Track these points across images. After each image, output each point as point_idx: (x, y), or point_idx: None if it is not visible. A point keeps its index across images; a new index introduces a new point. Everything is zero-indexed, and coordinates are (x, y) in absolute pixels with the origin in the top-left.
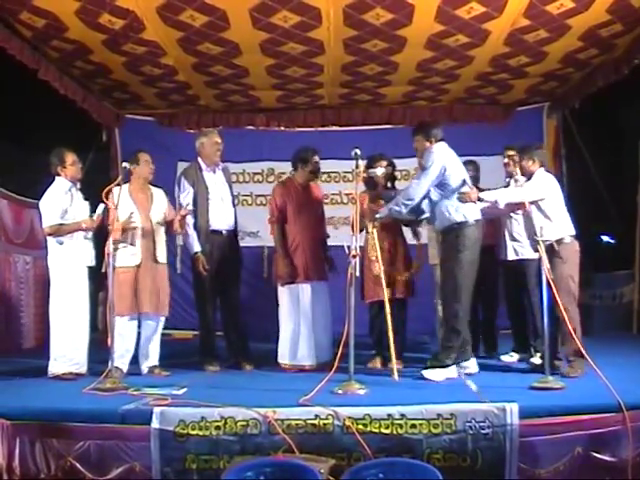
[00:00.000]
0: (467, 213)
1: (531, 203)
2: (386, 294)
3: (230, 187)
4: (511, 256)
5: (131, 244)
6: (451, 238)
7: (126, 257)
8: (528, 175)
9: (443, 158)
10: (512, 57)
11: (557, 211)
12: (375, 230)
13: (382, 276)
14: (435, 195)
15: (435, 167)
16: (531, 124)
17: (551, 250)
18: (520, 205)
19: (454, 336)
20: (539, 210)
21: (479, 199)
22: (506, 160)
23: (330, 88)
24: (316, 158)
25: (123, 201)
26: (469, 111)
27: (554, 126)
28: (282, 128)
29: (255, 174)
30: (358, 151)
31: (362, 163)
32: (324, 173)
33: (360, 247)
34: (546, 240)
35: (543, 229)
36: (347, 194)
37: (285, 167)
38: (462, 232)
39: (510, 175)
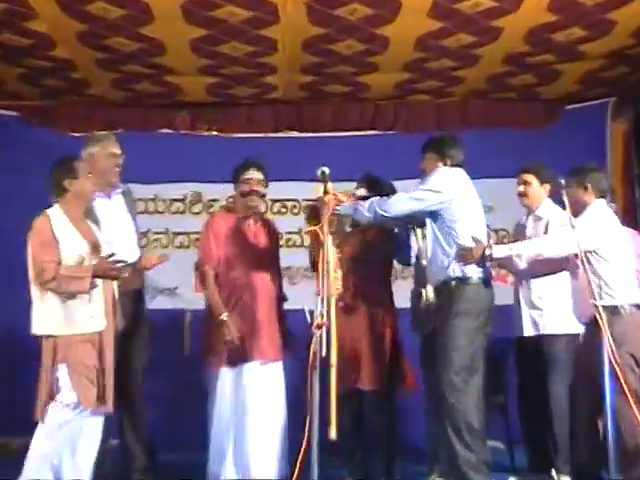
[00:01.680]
0: (471, 266)
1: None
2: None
3: (134, 220)
4: (528, 331)
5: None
6: (444, 298)
7: (83, 319)
8: (577, 210)
9: (455, 188)
10: (560, 29)
11: (615, 267)
12: (331, 239)
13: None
14: (432, 234)
15: (437, 193)
16: (588, 130)
17: (596, 324)
18: (565, 263)
19: (459, 446)
20: (591, 263)
21: (488, 258)
22: (521, 188)
23: (287, 74)
24: (250, 174)
25: (64, 231)
26: (492, 110)
27: (622, 132)
28: (215, 133)
29: (173, 201)
30: (326, 169)
31: (332, 187)
32: (277, 201)
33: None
34: (609, 306)
35: (602, 289)
36: (309, 232)
37: (219, 191)
38: (460, 292)
39: (529, 211)
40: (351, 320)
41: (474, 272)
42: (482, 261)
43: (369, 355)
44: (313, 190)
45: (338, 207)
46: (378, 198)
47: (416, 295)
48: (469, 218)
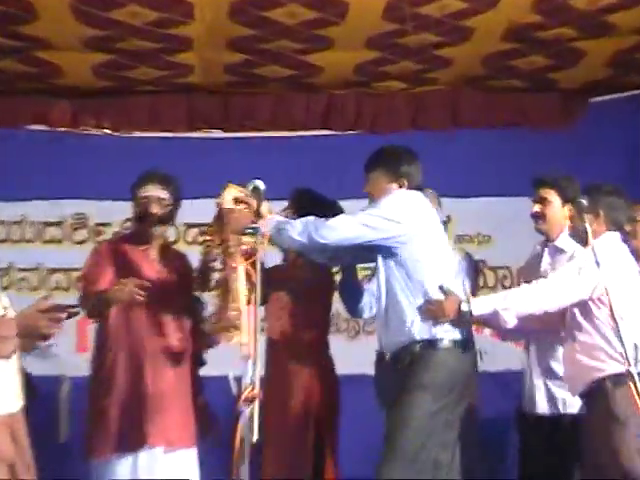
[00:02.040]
0: (443, 326)
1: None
2: None
3: None
4: (542, 407)
5: None
6: (404, 368)
7: None
8: (587, 240)
9: (417, 218)
10: None
11: (625, 321)
12: (243, 265)
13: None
14: (385, 280)
15: (396, 224)
16: (618, 130)
17: (600, 395)
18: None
19: None
20: (592, 315)
21: (465, 315)
22: (537, 208)
23: (208, 51)
24: (148, 190)
25: None
26: (492, 103)
27: None
28: (106, 131)
29: (47, 226)
30: (260, 184)
31: (268, 207)
32: (192, 227)
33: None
34: (611, 374)
35: (605, 350)
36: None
37: (111, 213)
38: (425, 359)
39: (547, 239)
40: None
41: (446, 332)
42: (458, 320)
43: (280, 437)
44: (221, 197)
45: (255, 225)
46: (315, 218)
47: (380, 359)
48: (435, 259)
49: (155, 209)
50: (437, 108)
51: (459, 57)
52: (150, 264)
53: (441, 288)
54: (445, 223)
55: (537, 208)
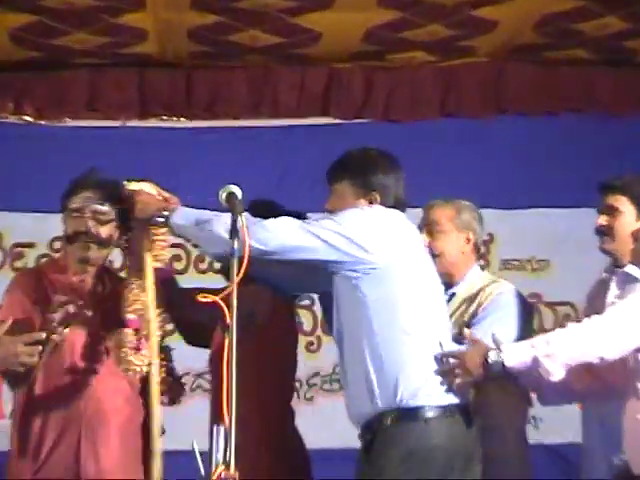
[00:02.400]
0: (428, 387)
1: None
2: None
3: None
4: None
5: None
6: (370, 450)
7: None
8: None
9: (385, 240)
10: None
11: None
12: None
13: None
14: (345, 324)
15: (351, 242)
16: None
17: None
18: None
19: None
20: None
21: (494, 368)
22: (601, 221)
23: (165, 11)
24: (81, 200)
25: None
26: (547, 80)
27: None
28: (28, 119)
29: None
30: (236, 190)
31: (245, 220)
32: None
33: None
34: None
35: None
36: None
37: (35, 230)
38: (398, 438)
39: (615, 262)
40: None
41: (428, 396)
42: (484, 376)
43: None
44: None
45: (166, 211)
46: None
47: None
48: (418, 301)
49: (92, 226)
50: (474, 87)
51: (504, 19)
52: (86, 298)
53: (463, 337)
54: (485, 244)
55: (603, 220)
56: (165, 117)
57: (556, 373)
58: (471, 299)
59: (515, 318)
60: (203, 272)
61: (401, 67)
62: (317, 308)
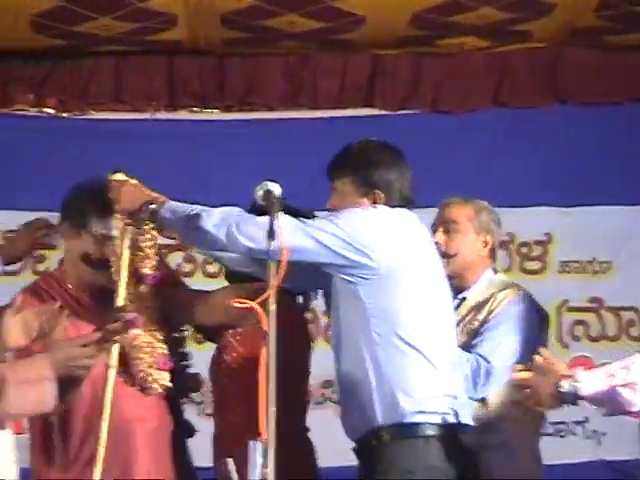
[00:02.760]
0: (431, 403)
1: None
2: None
3: None
4: None
5: None
6: (367, 467)
7: None
8: None
9: (389, 243)
10: None
11: None
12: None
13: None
14: (342, 324)
15: (348, 245)
16: None
17: None
18: None
19: None
20: None
21: (567, 398)
22: None
23: None
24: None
25: None
26: (610, 69)
27: None
28: (50, 111)
29: None
30: (275, 187)
31: (286, 225)
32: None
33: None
34: None
35: None
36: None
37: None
38: (395, 455)
39: None
40: None
41: (430, 413)
42: (555, 404)
43: None
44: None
45: (154, 204)
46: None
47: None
48: (425, 305)
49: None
50: (530, 75)
51: (562, 0)
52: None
53: (468, 343)
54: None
55: None
56: (196, 109)
57: (638, 403)
58: (481, 305)
59: (528, 327)
60: (211, 276)
61: (451, 53)
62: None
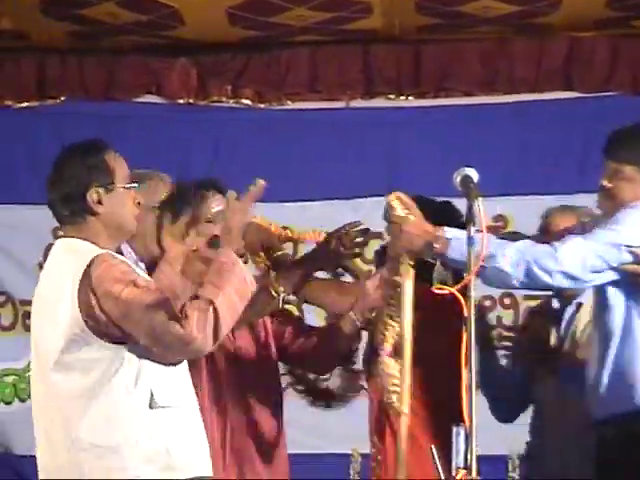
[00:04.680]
0: None
1: None
2: None
3: None
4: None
5: None
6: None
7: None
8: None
9: None
10: None
11: None
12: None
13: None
14: (622, 315)
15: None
16: None
17: None
18: None
19: None
20: None
21: None
22: None
23: None
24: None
25: None
26: None
27: None
28: (247, 102)
29: None
30: (473, 173)
31: (481, 207)
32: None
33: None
34: None
35: None
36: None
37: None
38: None
39: None
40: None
41: None
42: None
43: None
44: (386, 210)
45: (436, 244)
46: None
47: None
48: None
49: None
50: None
51: None
52: None
53: None
54: None
55: None
56: (392, 96)
57: None
58: None
59: None
60: None
61: None
62: None
